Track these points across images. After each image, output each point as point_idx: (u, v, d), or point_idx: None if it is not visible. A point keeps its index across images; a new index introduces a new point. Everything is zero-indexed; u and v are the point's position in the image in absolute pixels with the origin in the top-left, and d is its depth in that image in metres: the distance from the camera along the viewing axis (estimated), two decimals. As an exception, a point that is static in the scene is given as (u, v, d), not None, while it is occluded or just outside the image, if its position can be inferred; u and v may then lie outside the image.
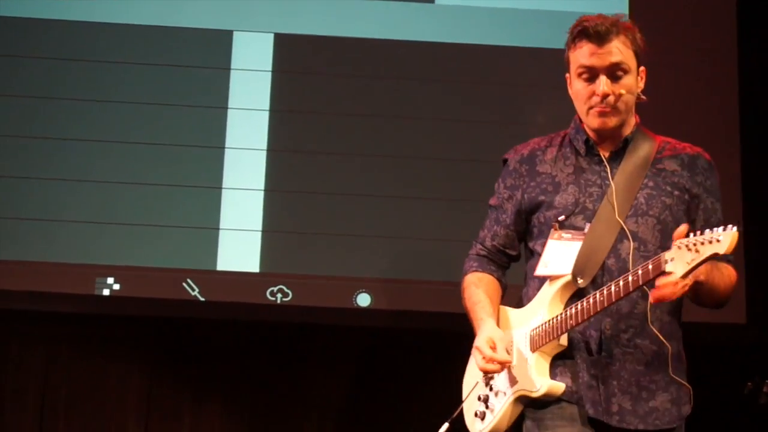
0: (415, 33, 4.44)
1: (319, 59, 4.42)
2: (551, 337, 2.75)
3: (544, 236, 2.88)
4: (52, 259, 4.25)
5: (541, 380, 2.77)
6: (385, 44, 4.43)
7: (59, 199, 4.28)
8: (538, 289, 2.85)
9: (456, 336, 4.24)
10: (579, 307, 2.68)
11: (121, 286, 4.24)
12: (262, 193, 4.32)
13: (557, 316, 2.74)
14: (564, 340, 2.78)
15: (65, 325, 4.41)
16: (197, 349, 4.46)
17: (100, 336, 4.44)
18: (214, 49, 4.39)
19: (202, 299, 4.26)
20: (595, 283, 2.75)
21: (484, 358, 2.81)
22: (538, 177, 2.94)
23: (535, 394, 2.78)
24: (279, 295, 4.27)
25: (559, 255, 2.80)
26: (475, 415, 2.93)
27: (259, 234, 4.30)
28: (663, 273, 2.50)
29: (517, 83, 4.42)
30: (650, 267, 2.53)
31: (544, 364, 2.81)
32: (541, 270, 2.83)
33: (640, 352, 2.80)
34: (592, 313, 2.67)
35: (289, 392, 4.47)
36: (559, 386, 2.77)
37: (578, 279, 2.74)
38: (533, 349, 2.79)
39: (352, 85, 4.41)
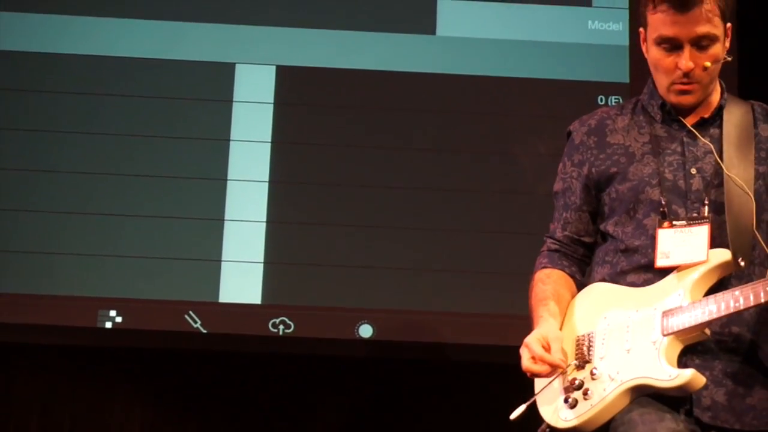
0: (417, 64, 4.46)
1: (321, 91, 4.44)
2: (699, 320, 2.38)
3: (616, 214, 2.61)
4: (54, 292, 4.25)
5: (675, 369, 2.39)
6: (387, 76, 4.46)
7: (61, 231, 4.29)
8: (611, 276, 2.58)
9: (459, 367, 4.31)
10: (762, 289, 2.32)
11: (123, 319, 4.25)
12: (264, 225, 4.33)
13: (714, 300, 2.38)
14: (707, 329, 2.43)
15: (67, 358, 4.40)
16: (199, 382, 4.45)
17: (103, 369, 4.42)
18: (216, 82, 4.41)
19: (204, 331, 4.26)
20: (752, 263, 2.48)
21: (532, 357, 2.49)
22: (608, 148, 2.65)
23: (665, 384, 2.39)
24: (281, 327, 4.27)
25: (679, 244, 2.49)
26: (565, 401, 2.49)
27: (261, 266, 4.30)
28: None
29: (519, 114, 4.43)
30: None
31: (676, 352, 2.43)
32: (662, 261, 2.49)
33: (735, 340, 2.49)
34: None
35: (291, 424, 4.46)
36: (700, 379, 2.38)
37: (740, 260, 2.44)
38: (666, 333, 2.42)
39: (353, 117, 4.44)
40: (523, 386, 2.63)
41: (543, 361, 2.48)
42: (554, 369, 2.48)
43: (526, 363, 2.49)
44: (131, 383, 4.44)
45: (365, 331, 4.29)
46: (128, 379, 4.44)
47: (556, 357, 2.48)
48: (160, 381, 4.45)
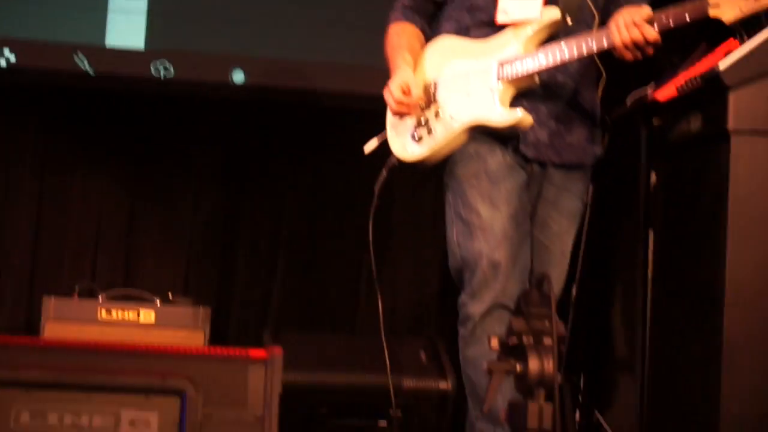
0: None
1: None
2: (530, 69, 2.71)
3: None
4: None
5: (507, 110, 2.70)
6: None
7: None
8: (457, 31, 2.85)
9: (325, 113, 4.55)
10: (583, 42, 2.63)
11: (16, 58, 4.43)
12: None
13: (543, 52, 2.69)
14: (536, 77, 2.75)
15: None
16: (87, 121, 4.64)
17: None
18: None
19: (91, 73, 4.46)
20: (579, 22, 2.77)
21: (395, 101, 2.82)
22: None
23: (499, 123, 2.71)
24: (162, 69, 4.50)
25: (516, 2, 2.76)
26: (412, 137, 2.85)
27: (144, 14, 4.50)
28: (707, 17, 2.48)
29: None
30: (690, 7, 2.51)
31: (509, 96, 2.75)
32: (502, 17, 2.78)
33: (560, 87, 2.81)
34: (605, 46, 2.61)
35: (170, 159, 4.70)
36: (528, 118, 2.70)
37: (568, 19, 2.73)
38: (501, 79, 2.75)
39: None
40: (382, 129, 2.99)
41: (402, 103, 2.82)
42: (414, 108, 2.83)
43: (392, 104, 2.83)
44: (26, 118, 4.62)
45: (237, 75, 4.54)
46: (23, 114, 4.62)
47: (415, 98, 2.82)
48: (52, 116, 4.63)
